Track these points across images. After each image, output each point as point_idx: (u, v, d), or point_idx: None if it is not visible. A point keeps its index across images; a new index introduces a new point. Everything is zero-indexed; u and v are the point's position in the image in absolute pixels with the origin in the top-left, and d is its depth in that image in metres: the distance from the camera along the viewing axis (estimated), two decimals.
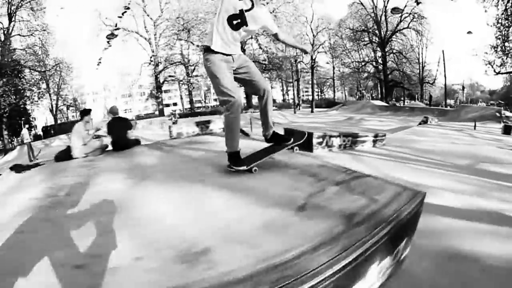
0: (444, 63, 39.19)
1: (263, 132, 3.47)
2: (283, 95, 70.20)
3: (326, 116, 35.33)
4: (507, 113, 28.45)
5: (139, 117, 46.10)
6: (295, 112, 40.87)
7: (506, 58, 34.08)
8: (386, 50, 47.66)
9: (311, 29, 51.44)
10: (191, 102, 55.71)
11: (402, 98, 53.36)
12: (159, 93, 47.58)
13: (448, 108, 34.95)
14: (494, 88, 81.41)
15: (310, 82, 52.37)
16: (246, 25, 2.87)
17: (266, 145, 3.55)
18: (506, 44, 33.10)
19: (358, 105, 38.03)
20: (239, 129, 3.07)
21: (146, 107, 58.63)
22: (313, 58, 49.03)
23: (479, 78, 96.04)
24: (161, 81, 47.52)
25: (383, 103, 39.94)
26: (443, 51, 39.29)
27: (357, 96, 63.16)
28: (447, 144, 13.21)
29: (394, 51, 47.71)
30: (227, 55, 2.92)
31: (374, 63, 49.40)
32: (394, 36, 48.89)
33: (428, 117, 19.24)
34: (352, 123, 27.07)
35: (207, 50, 2.87)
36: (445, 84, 37.22)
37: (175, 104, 61.72)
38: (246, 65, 3.09)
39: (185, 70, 48.86)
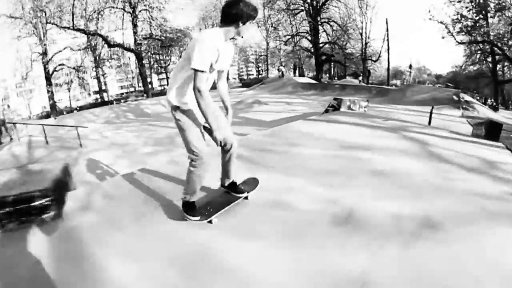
0: (387, 35, 30.52)
1: (221, 180, 3.34)
2: None
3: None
4: (467, 97, 20.33)
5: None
6: None
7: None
8: (320, 19, 38.15)
9: None
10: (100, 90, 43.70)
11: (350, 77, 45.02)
12: (48, 86, 35.09)
13: (391, 87, 26.58)
14: (441, 72, 79.94)
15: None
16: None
17: None
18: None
19: (278, 83, 28.79)
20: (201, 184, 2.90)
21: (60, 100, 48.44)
22: None
23: (426, 62, 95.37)
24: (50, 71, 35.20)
25: (310, 80, 30.79)
26: (386, 20, 30.33)
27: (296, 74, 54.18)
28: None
29: (327, 20, 38.33)
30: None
31: (307, 35, 39.75)
32: (329, 3, 39.32)
33: (342, 100, 9.76)
34: (240, 108, 17.28)
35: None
36: (388, 59, 28.90)
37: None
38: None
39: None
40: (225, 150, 3.04)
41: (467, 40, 25.63)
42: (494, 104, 29.00)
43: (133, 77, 61.38)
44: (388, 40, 30.27)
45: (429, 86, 21.28)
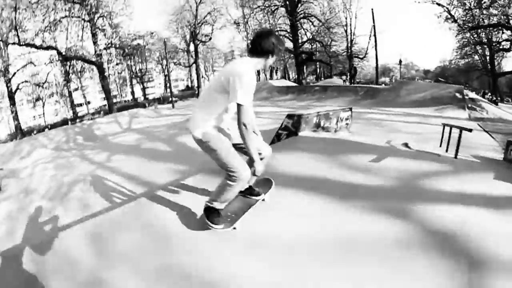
0: (374, 28, 27.34)
1: None
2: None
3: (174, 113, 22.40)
4: (471, 94, 17.23)
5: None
6: (156, 107, 27.51)
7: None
8: (298, 14, 34.91)
9: None
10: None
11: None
12: (11, 106, 31.92)
13: (381, 86, 23.30)
14: (429, 67, 78.53)
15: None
16: None
17: None
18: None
19: None
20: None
21: (57, 110, 44.67)
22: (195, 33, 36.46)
23: (413, 58, 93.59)
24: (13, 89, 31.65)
25: (287, 83, 27.48)
26: (372, 10, 27.27)
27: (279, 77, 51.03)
28: None
29: (307, 15, 35.11)
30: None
31: (286, 33, 36.39)
32: None
33: (301, 117, 5.45)
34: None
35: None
36: (376, 53, 25.66)
37: (89, 103, 50.59)
38: None
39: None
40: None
41: (471, 25, 22.38)
42: (494, 98, 26.14)
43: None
44: (375, 34, 27.15)
45: (426, 83, 18.06)
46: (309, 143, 5.52)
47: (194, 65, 43.54)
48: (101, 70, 34.04)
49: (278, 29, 37.08)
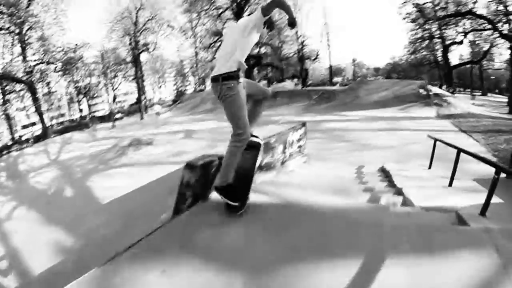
0: (327, 26, 25.65)
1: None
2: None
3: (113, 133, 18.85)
4: (434, 89, 15.57)
5: None
6: (113, 126, 23.78)
7: None
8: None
9: None
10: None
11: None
12: None
13: (336, 87, 21.26)
14: (378, 65, 79.89)
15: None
16: None
17: None
18: None
19: (197, 100, 22.75)
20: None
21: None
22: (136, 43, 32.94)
23: (363, 57, 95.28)
24: None
25: None
26: (324, 8, 25.56)
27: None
28: None
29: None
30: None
31: None
32: None
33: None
34: (107, 160, 10.59)
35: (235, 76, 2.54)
36: (329, 52, 23.80)
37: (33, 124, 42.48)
38: None
39: None
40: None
41: (443, 15, 20.86)
42: (451, 90, 25.37)
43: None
44: (327, 32, 25.32)
45: (387, 81, 16.27)
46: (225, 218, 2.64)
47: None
48: (32, 90, 29.21)
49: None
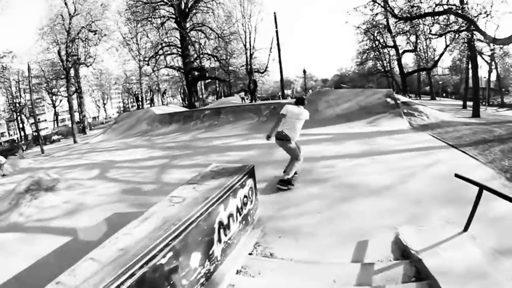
0: (277, 36, 23.38)
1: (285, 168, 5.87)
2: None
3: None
4: (402, 97, 13.63)
5: None
6: (42, 152, 19.13)
7: None
8: (187, 25, 29.36)
9: None
10: None
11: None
12: None
13: (289, 100, 18.87)
14: (326, 77, 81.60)
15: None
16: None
17: None
18: None
19: (132, 120, 19.13)
20: None
21: None
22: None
23: (311, 70, 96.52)
24: None
25: (173, 109, 21.82)
26: (275, 14, 23.39)
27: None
28: None
29: (197, 25, 29.89)
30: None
31: (175, 48, 30.35)
32: (200, 5, 30.78)
33: None
34: None
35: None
36: (279, 60, 21.65)
37: None
38: None
39: None
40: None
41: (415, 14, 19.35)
42: (408, 96, 24.43)
43: None
44: (278, 42, 23.05)
45: (348, 90, 14.01)
46: None
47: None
48: None
49: (167, 43, 30.62)
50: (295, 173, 5.71)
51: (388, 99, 12.17)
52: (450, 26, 17.74)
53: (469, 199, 3.51)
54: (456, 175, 3.64)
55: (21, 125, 43.77)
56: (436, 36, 19.71)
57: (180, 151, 10.30)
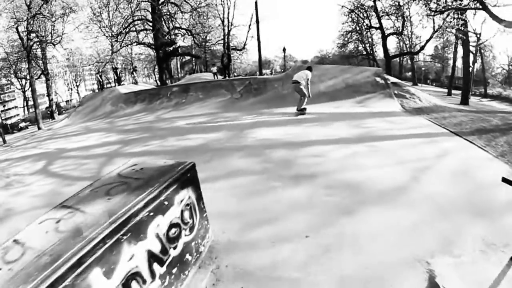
0: (256, 7, 21.40)
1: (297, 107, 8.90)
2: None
3: None
4: (391, 78, 12.39)
5: None
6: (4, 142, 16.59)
7: None
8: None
9: None
10: None
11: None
12: None
13: (267, 76, 17.25)
14: (306, 58, 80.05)
15: None
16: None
17: None
18: None
19: (96, 101, 17.41)
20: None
21: None
22: None
23: (291, 51, 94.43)
24: None
25: (139, 87, 20.09)
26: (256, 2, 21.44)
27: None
28: None
29: None
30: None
31: (145, 21, 27.65)
32: None
33: None
34: None
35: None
36: (258, 37, 19.92)
37: None
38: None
39: None
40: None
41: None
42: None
43: None
44: (257, 17, 21.12)
45: (334, 67, 12.39)
46: None
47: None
48: None
49: (136, 17, 27.97)
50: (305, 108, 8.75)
51: (378, 78, 10.87)
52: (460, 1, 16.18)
53: (499, 205, 2.96)
54: (504, 180, 2.32)
55: None
56: (435, 13, 18.37)
57: (138, 134, 8.69)
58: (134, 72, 29.07)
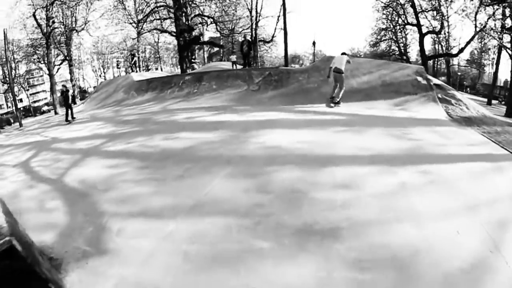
0: (284, 6, 19.85)
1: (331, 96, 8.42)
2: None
3: None
4: (435, 79, 10.63)
5: None
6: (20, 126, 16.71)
7: None
8: None
9: None
10: None
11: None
12: None
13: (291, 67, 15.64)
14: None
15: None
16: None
17: None
18: None
19: (110, 88, 16.34)
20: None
21: None
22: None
23: (321, 47, 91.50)
24: None
25: (152, 74, 19.14)
26: None
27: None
28: None
29: None
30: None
31: (165, 9, 26.59)
32: None
33: None
34: None
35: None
36: (285, 27, 18.34)
37: None
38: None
39: None
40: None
41: None
42: None
43: None
44: (284, 6, 19.51)
45: (370, 60, 10.82)
46: None
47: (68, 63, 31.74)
48: None
49: (159, 3, 26.91)
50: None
51: (419, 78, 9.18)
52: None
53: None
54: None
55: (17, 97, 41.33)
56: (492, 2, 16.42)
57: (131, 127, 7.60)
58: (133, 63, 27.90)
